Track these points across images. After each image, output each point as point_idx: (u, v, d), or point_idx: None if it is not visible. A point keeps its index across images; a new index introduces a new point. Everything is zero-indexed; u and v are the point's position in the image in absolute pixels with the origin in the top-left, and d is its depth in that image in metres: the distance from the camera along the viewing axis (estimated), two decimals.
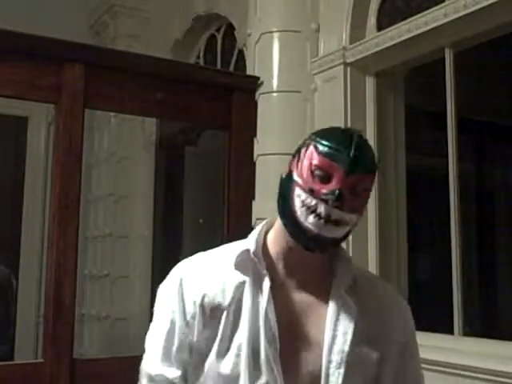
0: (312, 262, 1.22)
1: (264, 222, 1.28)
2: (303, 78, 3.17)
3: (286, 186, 1.20)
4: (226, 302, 1.19)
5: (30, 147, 5.00)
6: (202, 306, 1.19)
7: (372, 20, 3.11)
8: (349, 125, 2.99)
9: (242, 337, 1.17)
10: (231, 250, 1.24)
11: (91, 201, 4.77)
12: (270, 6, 3.28)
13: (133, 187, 4.69)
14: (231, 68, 4.24)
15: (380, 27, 3.06)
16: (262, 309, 1.17)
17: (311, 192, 1.14)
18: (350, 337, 1.17)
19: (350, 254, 2.89)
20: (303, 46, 3.21)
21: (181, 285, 1.24)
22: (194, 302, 1.20)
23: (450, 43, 2.70)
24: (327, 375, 1.15)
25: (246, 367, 1.15)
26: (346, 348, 1.16)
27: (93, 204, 4.79)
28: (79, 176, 2.82)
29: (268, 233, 1.26)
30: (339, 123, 2.99)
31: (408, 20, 2.76)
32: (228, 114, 3.29)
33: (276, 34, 3.22)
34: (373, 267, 2.92)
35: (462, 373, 2.32)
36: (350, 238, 3.06)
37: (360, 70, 3.07)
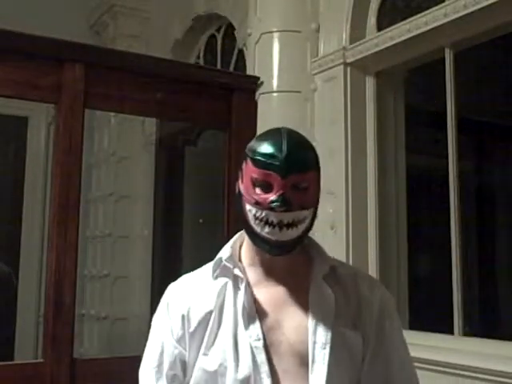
0: (285, 262, 1.28)
1: (238, 233, 1.35)
2: (303, 78, 3.17)
3: (238, 203, 1.27)
4: (211, 307, 1.26)
5: (30, 147, 4.99)
6: (188, 317, 1.27)
7: (372, 20, 3.10)
8: (349, 125, 2.99)
9: (225, 332, 1.23)
10: (210, 264, 1.33)
11: (91, 201, 4.77)
12: (270, 6, 3.28)
13: (133, 187, 4.69)
14: (231, 68, 4.24)
15: (380, 27, 3.06)
16: (240, 303, 1.24)
17: (258, 204, 1.20)
18: (331, 319, 1.23)
19: (350, 255, 2.89)
20: (303, 46, 3.21)
21: (167, 307, 1.32)
22: (182, 316, 1.27)
23: (449, 43, 2.70)
24: (313, 355, 1.20)
25: (232, 360, 1.20)
26: (329, 330, 1.21)
27: (93, 204, 4.79)
28: (79, 176, 2.82)
29: (242, 243, 1.33)
30: (339, 123, 3.00)
31: (408, 20, 2.76)
32: (228, 114, 3.29)
33: (276, 34, 3.22)
34: (373, 267, 2.93)
35: (462, 373, 2.32)
36: (350, 237, 3.07)
37: (360, 70, 3.07)
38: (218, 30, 4.47)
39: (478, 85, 3.87)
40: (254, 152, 1.23)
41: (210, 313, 1.25)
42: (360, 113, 3.05)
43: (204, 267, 1.36)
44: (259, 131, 3.19)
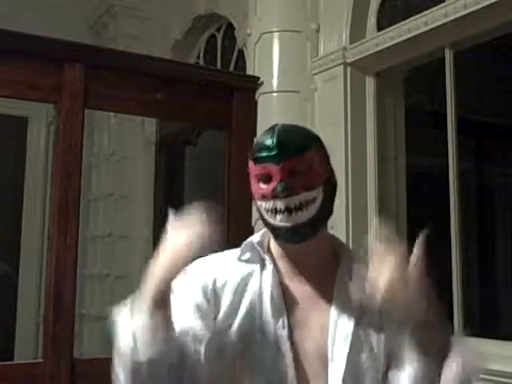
0: (311, 257, 1.28)
1: (262, 230, 1.35)
2: (303, 78, 3.17)
3: (255, 206, 1.29)
4: (234, 284, 1.27)
5: (29, 147, 4.99)
6: (215, 292, 1.26)
7: (372, 20, 3.10)
8: (349, 125, 2.99)
9: (249, 315, 1.23)
10: (236, 250, 1.34)
11: (91, 201, 4.77)
12: (270, 6, 3.28)
13: (133, 187, 4.69)
14: (231, 68, 4.24)
15: (380, 27, 3.06)
16: (267, 288, 1.24)
17: (264, 197, 1.23)
18: (354, 317, 1.22)
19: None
20: (303, 46, 3.21)
21: (199, 274, 1.30)
22: (209, 289, 1.27)
23: (449, 43, 2.70)
24: (332, 352, 1.20)
25: (255, 344, 1.20)
26: (350, 328, 1.21)
27: (93, 204, 4.79)
28: (79, 176, 2.82)
29: (270, 239, 1.34)
30: (339, 123, 3.00)
31: (408, 20, 2.76)
32: (228, 114, 3.29)
33: (276, 34, 3.22)
34: None
35: None
36: (350, 238, 3.06)
37: (360, 70, 3.07)
38: (218, 30, 4.47)
39: (478, 85, 3.87)
40: (252, 151, 1.27)
41: (234, 288, 1.26)
42: (360, 113, 3.05)
43: (230, 250, 1.36)
44: (259, 131, 3.19)
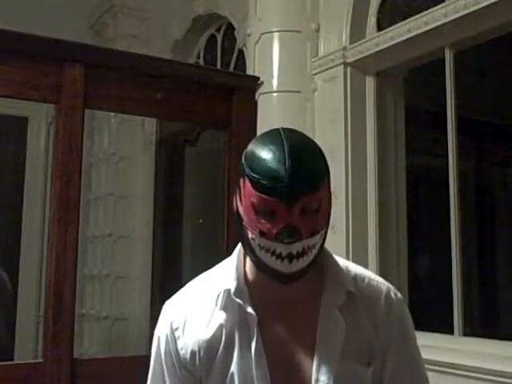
0: (297, 288, 1.15)
1: (239, 247, 1.21)
2: (303, 78, 3.17)
3: (238, 226, 1.12)
4: (218, 343, 1.15)
5: (30, 147, 4.99)
6: (194, 352, 1.17)
7: (372, 20, 3.10)
8: (349, 125, 2.99)
9: (234, 380, 1.14)
10: (214, 286, 1.20)
11: (91, 201, 4.77)
12: (270, 6, 3.28)
13: (133, 187, 4.69)
14: (231, 68, 4.24)
15: (380, 27, 3.06)
16: (252, 347, 1.13)
17: (263, 234, 1.06)
18: (337, 356, 1.12)
19: (350, 255, 2.89)
20: (303, 46, 3.21)
21: (172, 332, 1.21)
22: (188, 351, 1.18)
23: (449, 43, 2.70)
24: None
25: None
26: (334, 366, 1.11)
27: (93, 204, 4.79)
28: (79, 176, 2.82)
29: (246, 260, 1.20)
30: (339, 123, 3.00)
31: (408, 20, 2.76)
32: (228, 114, 3.29)
33: (276, 34, 3.22)
34: (373, 267, 2.92)
35: (462, 373, 2.32)
36: (350, 237, 3.06)
37: (360, 70, 3.07)
38: (218, 30, 4.47)
39: (478, 85, 3.87)
40: (252, 168, 1.06)
41: (217, 353, 1.15)
42: (360, 113, 3.05)
43: (204, 284, 1.24)
44: (259, 131, 3.19)
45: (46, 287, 2.82)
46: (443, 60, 2.72)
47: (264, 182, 1.03)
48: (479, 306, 3.69)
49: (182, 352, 1.19)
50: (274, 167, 1.02)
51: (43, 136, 4.98)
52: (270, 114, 3.18)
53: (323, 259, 1.19)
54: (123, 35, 4.92)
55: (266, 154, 1.05)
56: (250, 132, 3.19)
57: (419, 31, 2.68)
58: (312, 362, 1.13)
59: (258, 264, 1.11)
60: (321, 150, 1.13)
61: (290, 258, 1.05)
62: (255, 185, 1.04)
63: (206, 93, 3.24)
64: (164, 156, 4.76)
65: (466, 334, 2.55)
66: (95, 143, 4.87)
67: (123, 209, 4.66)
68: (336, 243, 2.80)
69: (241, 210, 1.09)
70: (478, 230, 4.05)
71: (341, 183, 2.92)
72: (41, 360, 2.71)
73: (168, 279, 4.43)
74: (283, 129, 1.12)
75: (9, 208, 5.00)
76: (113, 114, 4.39)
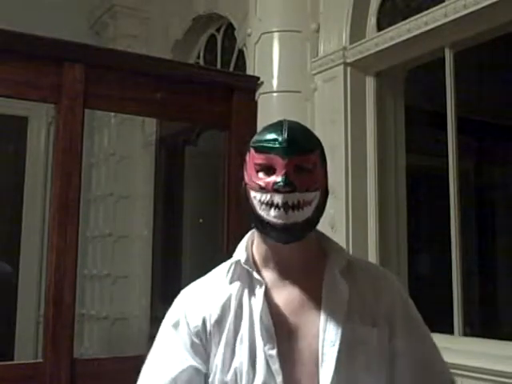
0: (299, 256, 1.26)
1: (249, 233, 1.33)
2: (303, 78, 3.17)
3: (244, 194, 1.26)
4: (227, 315, 1.24)
5: (29, 147, 4.99)
6: (205, 327, 1.24)
7: (372, 20, 3.10)
8: (349, 125, 2.99)
9: (242, 342, 1.21)
10: (223, 267, 1.31)
11: (91, 201, 4.78)
12: (270, 6, 3.28)
13: (133, 187, 4.69)
14: (231, 68, 4.24)
15: (380, 27, 3.06)
16: (257, 313, 1.21)
17: (262, 188, 1.20)
18: (342, 316, 1.20)
19: (351, 253, 2.89)
20: (303, 46, 3.21)
21: (185, 317, 1.27)
22: (200, 320, 1.25)
23: (449, 43, 2.70)
24: (323, 354, 1.18)
25: (247, 369, 1.18)
26: (340, 326, 1.19)
27: (93, 204, 4.79)
28: (79, 176, 2.82)
29: (253, 241, 1.31)
30: (339, 123, 3.00)
31: (408, 20, 2.76)
32: (228, 114, 3.29)
33: (276, 34, 3.22)
34: None
35: (462, 373, 2.31)
36: (350, 237, 3.06)
37: (360, 70, 3.07)
38: (218, 30, 4.47)
39: (478, 85, 3.87)
40: (256, 140, 1.25)
41: (227, 321, 1.23)
42: (360, 113, 3.04)
43: (215, 271, 1.33)
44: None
45: (45, 287, 2.82)
46: (443, 60, 2.72)
47: (266, 143, 1.22)
48: (479, 306, 3.69)
49: (194, 322, 1.25)
50: (274, 133, 1.22)
51: (43, 136, 4.98)
52: (270, 114, 3.17)
53: (324, 242, 1.32)
54: (123, 35, 4.92)
55: (268, 129, 1.25)
56: (249, 132, 3.16)
57: (419, 31, 2.68)
58: (318, 324, 1.20)
59: (260, 224, 1.22)
60: (317, 138, 1.29)
61: (286, 208, 1.17)
62: (259, 148, 1.23)
63: (206, 93, 3.24)
64: (164, 156, 4.76)
65: (466, 334, 2.55)
66: (95, 143, 4.87)
67: (123, 209, 4.66)
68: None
69: (246, 178, 1.25)
70: (478, 230, 4.05)
71: (341, 183, 2.92)
72: (41, 360, 2.71)
73: (168, 279, 4.43)
74: (287, 119, 1.28)
75: (9, 208, 5.00)
76: (113, 114, 4.39)
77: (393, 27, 2.85)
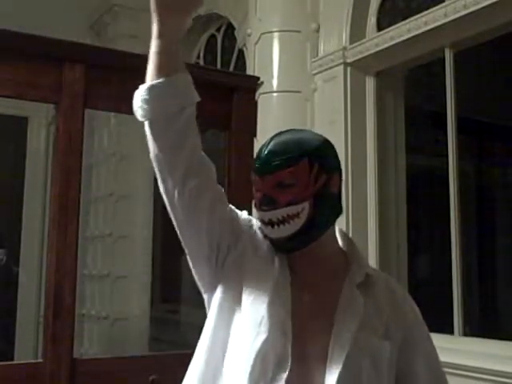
0: (309, 261, 1.26)
1: None
2: (303, 78, 3.17)
3: None
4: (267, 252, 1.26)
5: (30, 147, 5.00)
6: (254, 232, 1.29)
7: (372, 20, 3.11)
8: (349, 125, 2.99)
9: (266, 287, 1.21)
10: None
11: (91, 201, 4.77)
12: (270, 6, 3.28)
13: (133, 187, 4.69)
14: (231, 68, 4.24)
15: (380, 27, 3.07)
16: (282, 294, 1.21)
17: (255, 206, 1.26)
18: (356, 326, 1.20)
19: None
20: (303, 46, 3.21)
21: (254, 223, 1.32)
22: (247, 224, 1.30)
23: (449, 43, 2.70)
24: (332, 356, 1.18)
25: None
26: (352, 335, 1.19)
27: (93, 204, 4.79)
28: (79, 176, 2.82)
29: None
30: (339, 123, 3.00)
31: (408, 20, 2.76)
32: (228, 114, 3.28)
33: (276, 34, 3.22)
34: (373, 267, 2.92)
35: (462, 373, 2.32)
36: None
37: (360, 70, 3.07)
38: (218, 30, 4.47)
39: (477, 85, 3.87)
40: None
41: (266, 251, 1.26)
42: (360, 113, 3.05)
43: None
44: (259, 131, 3.19)
45: (45, 287, 2.82)
46: (443, 60, 2.73)
47: (254, 163, 1.25)
48: (479, 306, 3.70)
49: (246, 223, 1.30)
50: (259, 151, 1.25)
51: (43, 136, 4.99)
52: (270, 113, 3.18)
53: (349, 250, 1.31)
54: (123, 35, 4.92)
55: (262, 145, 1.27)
56: (249, 132, 3.18)
57: (419, 31, 2.69)
58: (330, 331, 1.20)
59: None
60: (314, 139, 1.26)
61: (272, 224, 1.21)
62: (253, 168, 1.26)
63: (205, 93, 3.22)
64: None
65: (466, 334, 2.55)
66: (95, 143, 4.87)
67: (123, 209, 4.66)
68: None
69: None
70: (478, 230, 4.05)
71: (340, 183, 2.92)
72: (41, 360, 2.71)
73: (168, 279, 4.43)
74: (285, 130, 1.29)
75: (9, 208, 5.01)
76: (113, 113, 4.39)
77: (393, 27, 2.86)
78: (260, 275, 1.23)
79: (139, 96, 1.28)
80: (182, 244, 1.30)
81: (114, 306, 4.53)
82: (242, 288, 1.22)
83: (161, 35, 1.19)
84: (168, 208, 1.29)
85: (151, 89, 1.23)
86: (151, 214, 4.69)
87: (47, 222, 3.89)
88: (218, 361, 1.21)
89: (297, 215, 1.20)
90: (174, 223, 1.28)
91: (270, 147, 1.23)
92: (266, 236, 1.26)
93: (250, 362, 1.15)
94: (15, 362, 3.60)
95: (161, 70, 1.21)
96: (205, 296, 1.31)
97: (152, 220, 4.67)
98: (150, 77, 1.24)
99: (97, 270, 4.65)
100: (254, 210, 1.29)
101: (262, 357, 1.16)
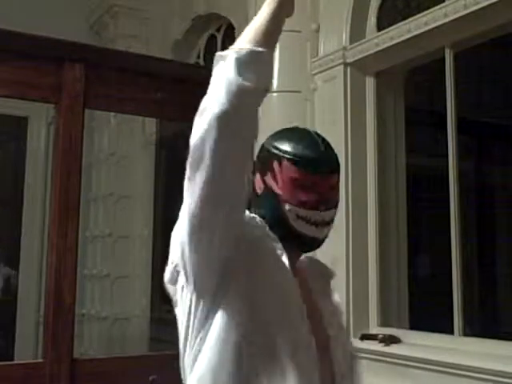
0: (305, 262, 1.38)
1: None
2: (303, 78, 3.17)
3: (270, 203, 1.26)
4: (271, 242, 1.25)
5: (30, 147, 5.00)
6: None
7: (372, 20, 3.10)
8: (349, 125, 2.99)
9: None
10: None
11: (91, 201, 4.78)
12: None
13: (133, 187, 4.69)
14: None
15: (380, 27, 3.06)
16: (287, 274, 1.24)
17: (302, 204, 1.23)
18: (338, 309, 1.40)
19: (350, 255, 2.90)
20: (303, 46, 3.20)
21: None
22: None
23: (450, 43, 2.70)
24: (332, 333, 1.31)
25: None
26: (337, 317, 1.37)
27: (93, 204, 4.79)
28: (79, 176, 2.82)
29: None
30: (339, 123, 3.00)
31: (408, 20, 2.76)
32: None
33: None
34: (373, 267, 2.92)
35: (462, 373, 2.32)
36: (350, 238, 3.05)
37: (360, 70, 3.07)
38: (218, 30, 4.47)
39: (478, 85, 3.87)
40: (292, 154, 1.25)
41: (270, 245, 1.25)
42: (360, 113, 3.04)
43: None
44: (259, 131, 3.19)
45: (46, 287, 2.82)
46: (443, 60, 2.72)
47: (306, 161, 1.23)
48: (479, 306, 3.70)
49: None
50: (313, 151, 1.24)
51: (43, 136, 4.99)
52: (270, 113, 3.17)
53: None
54: (123, 35, 4.92)
55: (303, 143, 1.26)
56: None
57: (419, 31, 2.68)
58: (323, 312, 1.31)
59: (287, 234, 1.23)
60: None
61: (322, 224, 1.24)
62: (298, 164, 1.23)
63: (205, 93, 3.23)
64: (164, 156, 4.76)
65: (466, 334, 2.55)
66: (95, 143, 4.87)
67: (123, 209, 4.66)
68: (336, 243, 2.80)
69: (276, 187, 1.25)
70: (478, 230, 4.05)
71: (341, 183, 2.91)
72: (41, 360, 2.71)
73: None
74: (305, 128, 1.36)
75: (9, 208, 5.01)
76: (113, 114, 4.39)
77: (393, 27, 2.85)
78: (274, 272, 1.22)
79: (244, 57, 1.14)
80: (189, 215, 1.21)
81: (114, 306, 4.54)
82: (249, 281, 1.19)
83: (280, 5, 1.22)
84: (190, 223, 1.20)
85: (262, 55, 1.15)
86: (151, 214, 4.69)
87: (47, 222, 3.89)
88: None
89: (334, 219, 1.28)
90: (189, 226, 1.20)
91: (328, 150, 1.26)
92: (295, 235, 1.23)
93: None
94: (15, 361, 3.60)
95: (269, 36, 1.20)
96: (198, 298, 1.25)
97: (152, 220, 4.67)
98: (254, 42, 1.18)
99: (97, 270, 4.65)
100: (286, 207, 1.22)
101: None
